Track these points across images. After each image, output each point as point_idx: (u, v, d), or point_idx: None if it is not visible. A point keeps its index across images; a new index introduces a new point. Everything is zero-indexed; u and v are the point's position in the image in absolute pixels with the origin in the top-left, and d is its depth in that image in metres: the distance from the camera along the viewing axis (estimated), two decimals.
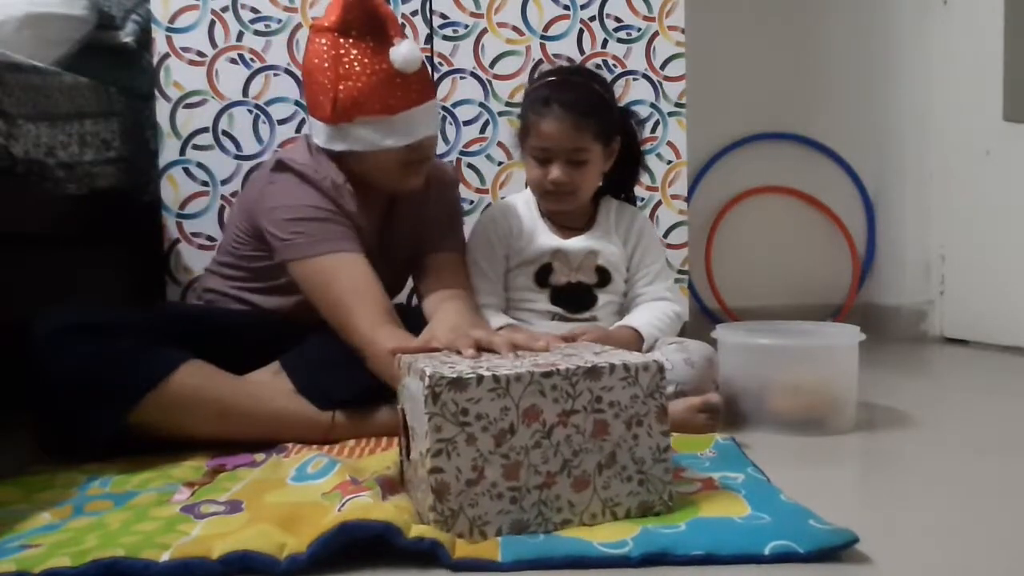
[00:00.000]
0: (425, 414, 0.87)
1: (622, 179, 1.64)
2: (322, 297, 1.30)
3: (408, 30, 1.79)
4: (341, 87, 1.29)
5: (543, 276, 1.55)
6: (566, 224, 1.57)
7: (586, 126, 1.45)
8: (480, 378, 0.88)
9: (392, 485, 1.01)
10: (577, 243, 1.55)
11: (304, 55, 1.38)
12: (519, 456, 0.89)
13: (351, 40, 1.30)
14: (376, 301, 1.28)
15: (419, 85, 1.35)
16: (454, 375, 0.88)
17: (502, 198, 1.77)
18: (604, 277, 1.56)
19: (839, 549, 0.84)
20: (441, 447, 0.87)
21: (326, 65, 1.30)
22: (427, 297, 1.46)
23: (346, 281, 1.29)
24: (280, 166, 1.37)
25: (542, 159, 1.49)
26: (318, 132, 1.37)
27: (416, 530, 0.85)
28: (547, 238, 1.55)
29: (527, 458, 0.89)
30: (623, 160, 1.60)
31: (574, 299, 1.54)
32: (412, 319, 1.35)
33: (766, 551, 0.83)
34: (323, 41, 1.32)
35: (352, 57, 1.30)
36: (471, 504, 0.88)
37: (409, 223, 1.50)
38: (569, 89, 1.47)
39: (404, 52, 1.31)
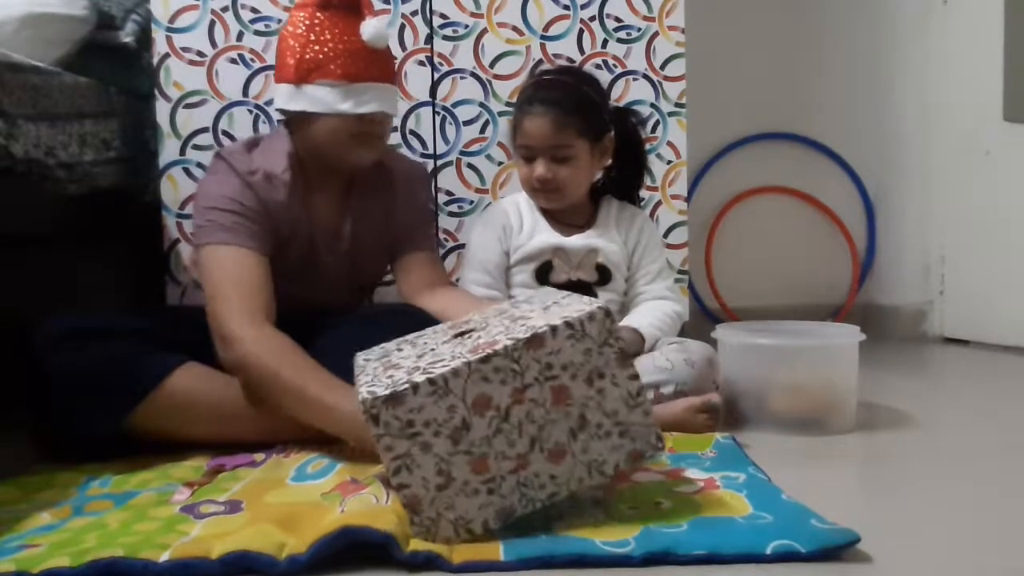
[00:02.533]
0: (373, 435, 0.84)
1: (624, 180, 1.64)
2: (207, 283, 1.32)
3: (408, 30, 1.79)
4: (308, 49, 1.35)
5: (543, 274, 1.55)
6: (566, 221, 1.58)
7: (568, 123, 1.47)
8: (415, 386, 0.84)
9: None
10: (577, 241, 1.55)
11: (281, 29, 1.44)
12: (482, 448, 0.85)
13: (328, 13, 1.37)
14: (255, 300, 1.28)
15: (383, 65, 1.40)
16: (387, 391, 0.84)
17: (502, 198, 1.77)
18: (604, 275, 1.56)
19: (841, 549, 0.84)
20: (399, 464, 0.84)
21: (300, 31, 1.36)
22: (414, 294, 1.48)
23: (233, 273, 1.30)
24: (216, 156, 1.43)
25: (527, 157, 1.51)
26: (279, 95, 1.41)
27: (415, 543, 0.84)
28: (548, 235, 1.55)
29: (491, 448, 0.86)
30: (624, 161, 1.60)
31: None
32: (413, 318, 1.35)
33: (768, 550, 0.83)
34: (301, 14, 1.38)
35: (325, 27, 1.36)
36: (447, 507, 0.85)
37: (377, 218, 1.50)
38: (553, 88, 1.51)
39: (374, 25, 1.37)
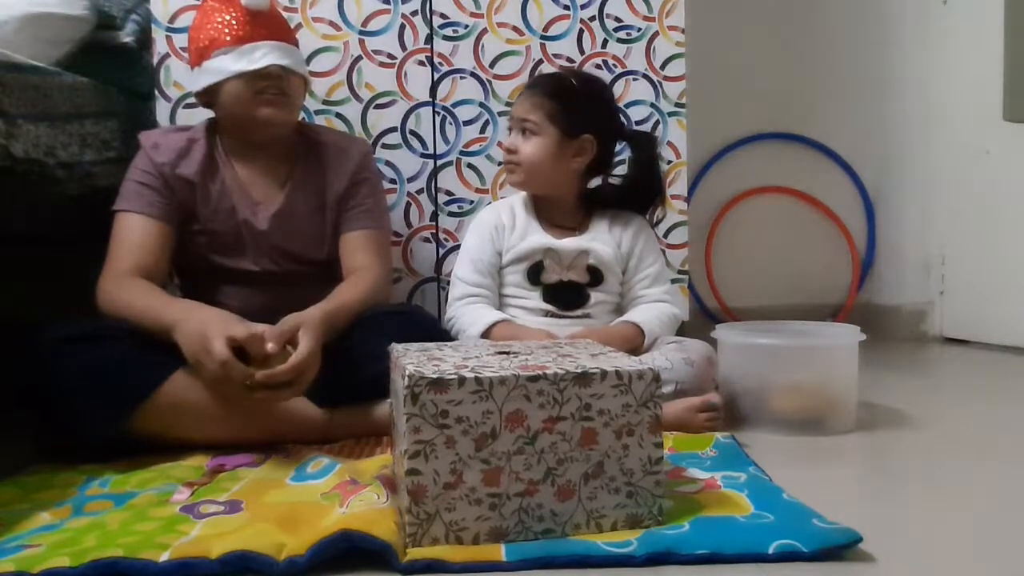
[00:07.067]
0: (404, 414, 0.86)
1: (633, 201, 1.64)
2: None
3: (408, 30, 1.79)
4: (202, 32, 1.44)
5: (535, 274, 1.56)
6: (559, 224, 1.59)
7: (542, 104, 1.53)
8: (462, 379, 0.86)
9: (392, 484, 1.01)
10: (569, 243, 1.57)
11: None
12: (500, 462, 0.87)
13: (216, 2, 1.45)
14: (127, 258, 1.37)
15: (271, 26, 1.46)
16: (435, 375, 0.86)
17: (502, 198, 1.77)
18: (596, 276, 1.57)
19: (843, 548, 0.84)
20: (419, 448, 0.85)
21: (196, 23, 1.47)
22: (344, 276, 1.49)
23: (117, 236, 1.41)
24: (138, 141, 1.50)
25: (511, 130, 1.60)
26: (190, 82, 1.50)
27: (412, 552, 0.84)
28: (539, 237, 1.57)
29: (508, 464, 0.87)
30: (638, 186, 1.61)
31: (566, 297, 1.56)
32: (413, 318, 1.35)
33: (770, 550, 0.83)
34: (197, 10, 1.49)
35: (214, 10, 1.44)
36: (448, 508, 0.86)
37: (314, 191, 1.52)
38: (548, 76, 1.64)
39: None
